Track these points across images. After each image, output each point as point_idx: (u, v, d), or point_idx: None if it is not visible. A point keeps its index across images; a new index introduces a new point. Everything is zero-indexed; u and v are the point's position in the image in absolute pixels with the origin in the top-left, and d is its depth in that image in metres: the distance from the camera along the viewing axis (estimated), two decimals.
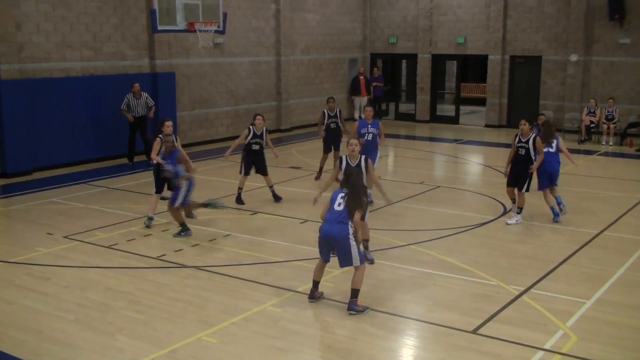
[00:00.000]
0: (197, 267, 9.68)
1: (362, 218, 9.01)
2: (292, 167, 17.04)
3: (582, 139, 21.28)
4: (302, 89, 24.53)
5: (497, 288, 8.90)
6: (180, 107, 19.70)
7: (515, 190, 11.97)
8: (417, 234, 11.27)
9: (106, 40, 17.74)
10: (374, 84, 26.17)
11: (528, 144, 11.74)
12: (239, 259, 10.06)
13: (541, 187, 12.13)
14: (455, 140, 22.53)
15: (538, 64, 23.79)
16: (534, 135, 11.83)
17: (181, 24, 15.59)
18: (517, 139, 11.94)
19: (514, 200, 12.14)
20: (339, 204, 8.09)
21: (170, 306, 8.31)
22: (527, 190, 11.90)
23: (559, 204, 12.28)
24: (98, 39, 17.53)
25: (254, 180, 14.24)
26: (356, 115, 26.47)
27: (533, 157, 11.71)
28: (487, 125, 24.87)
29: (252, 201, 13.51)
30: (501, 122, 24.71)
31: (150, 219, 11.72)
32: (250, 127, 13.49)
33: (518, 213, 12.02)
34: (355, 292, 8.03)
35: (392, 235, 11.25)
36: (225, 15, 16.61)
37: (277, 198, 13.52)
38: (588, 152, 19.77)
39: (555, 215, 12.08)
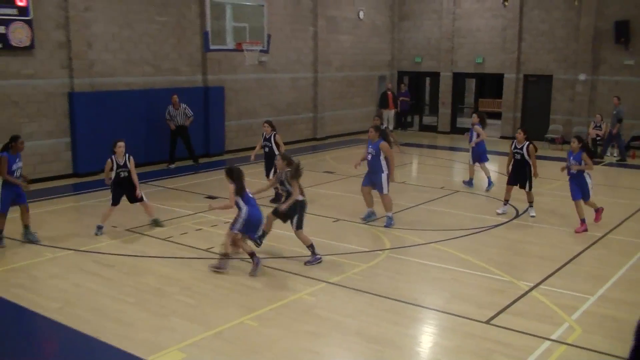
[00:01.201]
0: (241, 259, 9.74)
1: (299, 227, 9.46)
2: (326, 172, 17.05)
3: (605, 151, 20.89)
4: (336, 103, 24.52)
5: (509, 283, 8.81)
6: (228, 117, 19.86)
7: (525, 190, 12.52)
8: (437, 234, 11.20)
9: (165, 58, 17.95)
10: (400, 98, 26.11)
11: (522, 150, 12.32)
12: (278, 253, 10.09)
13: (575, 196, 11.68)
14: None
15: (549, 82, 23.47)
16: (527, 143, 12.34)
17: (230, 44, 15.73)
18: (513, 146, 12.59)
19: (507, 201, 12.72)
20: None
21: (217, 293, 8.38)
22: (530, 188, 12.39)
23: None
24: (158, 57, 17.75)
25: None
26: (383, 127, 26.36)
27: (528, 161, 12.29)
28: (502, 137, 24.57)
29: None
30: (515, 134, 24.35)
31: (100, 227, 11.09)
32: (263, 133, 13.36)
33: (531, 207, 12.58)
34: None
35: (415, 234, 11.20)
36: (269, 36, 16.70)
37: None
38: (594, 163, 19.36)
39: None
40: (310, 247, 9.54)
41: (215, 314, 7.64)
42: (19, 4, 14.28)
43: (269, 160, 13.22)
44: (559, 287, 8.70)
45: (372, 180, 11.70)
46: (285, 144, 21.81)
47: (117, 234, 11.05)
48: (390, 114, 25.81)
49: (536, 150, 12.45)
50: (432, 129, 27.00)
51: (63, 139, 15.84)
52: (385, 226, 11.56)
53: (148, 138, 17.46)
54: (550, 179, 15.72)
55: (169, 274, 9.07)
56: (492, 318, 7.60)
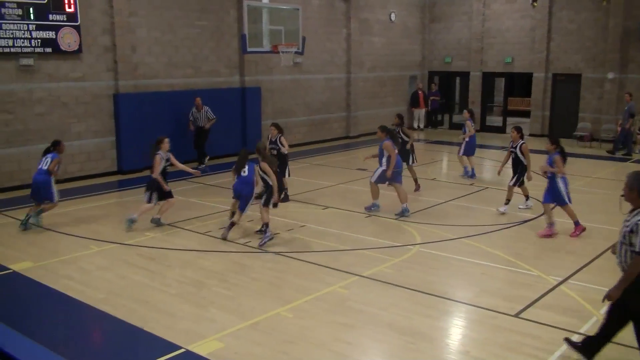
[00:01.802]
0: (277, 253, 9.77)
1: (266, 203, 10.27)
2: (358, 169, 16.99)
3: (617, 147, 20.52)
4: (368, 102, 24.42)
5: (538, 278, 8.68)
6: (264, 117, 19.93)
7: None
8: (467, 229, 11.08)
9: (204, 60, 18.10)
10: (431, 97, 25.95)
11: (516, 149, 12.09)
12: (312, 247, 10.11)
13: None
14: (502, 148, 21.95)
15: (578, 81, 23.03)
16: (521, 142, 12.14)
17: (267, 46, 15.79)
18: (510, 144, 12.43)
19: (527, 197, 12.60)
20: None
21: (254, 285, 8.42)
22: (514, 184, 12.20)
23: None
24: (197, 59, 17.90)
25: (324, 179, 14.25)
26: (414, 125, 26.29)
27: (522, 160, 12.08)
28: (531, 135, 24.18)
29: (323, 197, 13.56)
30: (544, 132, 24.03)
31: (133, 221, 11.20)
32: (269, 136, 13.04)
33: (505, 204, 12.34)
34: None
35: (445, 230, 11.10)
36: (304, 39, 16.71)
37: (286, 197, 12.84)
38: (622, 160, 19.03)
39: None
40: (265, 225, 10.30)
41: (251, 306, 7.68)
42: (68, 10, 14.54)
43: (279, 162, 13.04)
44: (587, 281, 8.53)
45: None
46: (319, 142, 22.08)
47: (158, 229, 11.17)
48: (421, 112, 25.71)
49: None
50: (462, 127, 26.63)
51: (108, 138, 16.09)
52: (366, 208, 12.36)
53: (189, 136, 17.58)
54: (578, 175, 15.44)
55: (208, 267, 9.15)
56: (521, 311, 7.49)
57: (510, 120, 27.45)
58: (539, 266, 9.13)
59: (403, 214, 11.95)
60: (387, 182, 12.11)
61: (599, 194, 14.04)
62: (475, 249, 10.05)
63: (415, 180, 14.24)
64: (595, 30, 22.38)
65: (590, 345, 6.04)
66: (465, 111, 16.41)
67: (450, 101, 27.99)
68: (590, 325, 7.06)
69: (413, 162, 14.26)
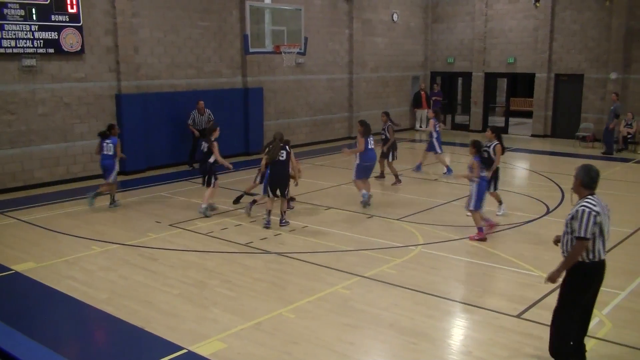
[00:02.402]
0: (279, 253, 9.78)
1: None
2: None
3: (620, 148, 20.52)
4: (370, 102, 24.42)
5: (540, 278, 8.65)
6: (266, 117, 19.95)
7: None
8: (470, 230, 11.06)
9: (207, 61, 18.12)
10: (433, 98, 25.93)
11: (489, 148, 11.70)
12: (315, 247, 10.12)
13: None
14: (505, 148, 21.96)
15: (580, 81, 22.99)
16: (495, 142, 11.74)
17: (269, 47, 15.78)
18: (486, 143, 11.97)
19: (500, 202, 12.21)
20: None
21: (256, 285, 8.43)
22: (495, 188, 11.85)
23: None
24: (200, 60, 17.92)
25: (326, 180, 14.25)
26: (417, 126, 26.30)
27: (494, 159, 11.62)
28: (533, 135, 24.21)
29: (325, 198, 13.56)
30: (546, 133, 24.05)
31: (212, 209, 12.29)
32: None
33: (500, 205, 12.14)
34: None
35: (448, 230, 11.10)
36: (306, 39, 16.71)
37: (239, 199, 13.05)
38: (625, 160, 19.01)
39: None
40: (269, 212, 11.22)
41: (254, 306, 7.69)
42: (70, 11, 14.57)
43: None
44: None
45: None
46: (322, 142, 22.07)
47: (160, 229, 11.19)
48: (423, 113, 25.70)
49: (503, 152, 11.88)
50: (464, 127, 26.69)
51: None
52: (362, 202, 12.73)
53: (191, 137, 17.57)
54: None
55: (210, 267, 9.16)
56: (523, 312, 7.49)
57: (513, 120, 27.49)
58: (541, 266, 9.12)
59: (364, 198, 12.70)
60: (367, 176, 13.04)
61: (603, 194, 14.00)
62: (477, 249, 10.05)
63: (396, 176, 15.08)
64: (598, 30, 22.36)
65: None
66: (429, 110, 16.82)
67: (452, 102, 27.99)
68: (593, 326, 7.05)
69: (394, 158, 15.21)
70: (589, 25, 22.59)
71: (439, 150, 16.36)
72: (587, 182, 5.79)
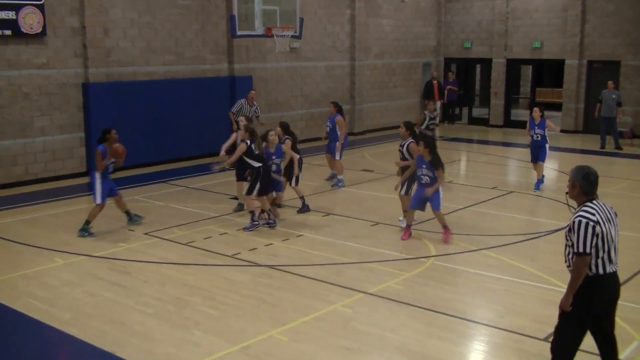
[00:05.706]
0: (270, 266, 9.77)
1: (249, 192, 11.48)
2: (364, 170, 17.02)
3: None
4: (375, 93, 24.47)
5: None
6: None
7: None
8: (488, 239, 11.07)
9: (187, 45, 18.12)
10: (448, 87, 25.94)
11: (403, 148, 11.58)
12: (311, 259, 10.11)
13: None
14: (530, 146, 22.01)
15: (616, 69, 23.04)
16: (409, 140, 11.49)
17: (259, 29, 15.78)
18: (400, 143, 11.84)
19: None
20: None
21: (244, 303, 8.42)
22: (405, 193, 11.60)
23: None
24: (180, 44, 17.92)
25: (324, 182, 14.23)
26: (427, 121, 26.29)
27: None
28: (562, 131, 24.22)
29: (323, 202, 13.57)
30: (577, 128, 24.08)
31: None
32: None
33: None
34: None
35: (464, 240, 11.10)
36: (301, 20, 16.72)
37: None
38: None
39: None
40: (252, 213, 11.63)
41: (241, 327, 7.68)
42: None
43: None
44: (627, 300, 8.46)
45: (330, 148, 15.21)
46: (319, 139, 22.01)
47: (133, 238, 11.18)
48: (435, 105, 25.67)
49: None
50: (483, 122, 26.75)
51: (77, 133, 16.09)
52: (332, 186, 14.86)
53: (170, 132, 17.62)
54: (618, 177, 15.44)
55: (191, 282, 9.14)
56: (551, 335, 7.48)
57: None
58: None
59: (337, 184, 14.76)
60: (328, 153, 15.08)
61: None
62: (498, 261, 10.05)
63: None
64: (636, 10, 22.40)
65: None
66: (330, 104, 15.66)
67: (469, 92, 28.04)
68: (632, 351, 7.05)
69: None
70: (625, 5, 22.63)
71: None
72: (586, 188, 5.78)
